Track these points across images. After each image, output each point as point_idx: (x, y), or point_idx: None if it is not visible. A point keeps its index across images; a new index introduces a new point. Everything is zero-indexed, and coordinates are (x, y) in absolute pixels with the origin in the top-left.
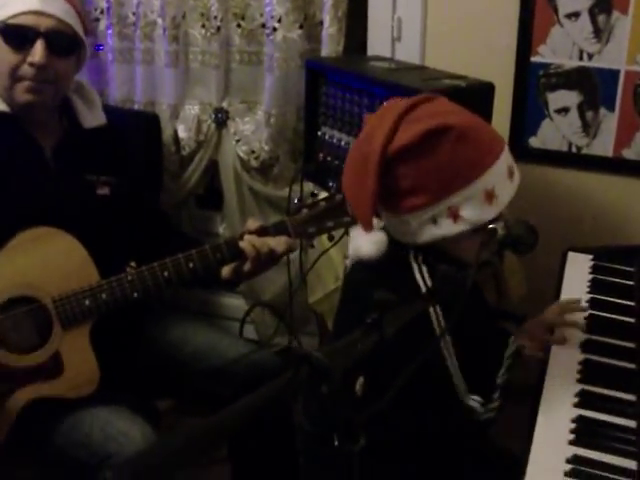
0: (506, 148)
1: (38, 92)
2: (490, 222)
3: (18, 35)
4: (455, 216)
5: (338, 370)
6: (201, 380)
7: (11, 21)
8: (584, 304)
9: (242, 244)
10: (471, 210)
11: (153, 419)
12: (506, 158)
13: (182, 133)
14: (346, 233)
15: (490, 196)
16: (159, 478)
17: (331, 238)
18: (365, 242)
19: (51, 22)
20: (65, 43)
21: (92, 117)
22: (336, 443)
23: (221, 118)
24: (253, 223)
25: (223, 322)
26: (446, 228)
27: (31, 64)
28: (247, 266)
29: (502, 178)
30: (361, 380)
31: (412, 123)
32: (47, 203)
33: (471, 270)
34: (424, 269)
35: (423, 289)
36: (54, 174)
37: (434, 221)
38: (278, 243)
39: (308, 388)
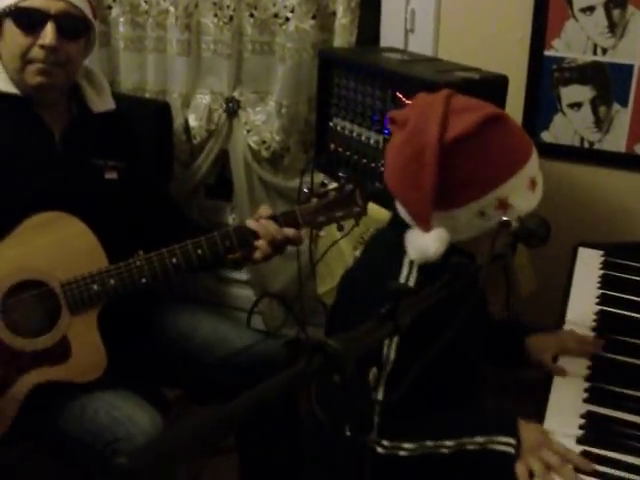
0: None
1: (49, 74)
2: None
3: (29, 18)
4: (504, 206)
5: (352, 359)
6: (209, 370)
7: (22, 4)
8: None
9: (253, 224)
10: (519, 199)
11: (161, 406)
12: (535, 149)
13: (193, 122)
14: (356, 224)
15: (533, 184)
16: (170, 465)
17: (341, 228)
18: (430, 241)
19: (61, 5)
20: (75, 26)
21: (101, 102)
22: (348, 433)
23: (232, 108)
24: (265, 210)
25: (231, 312)
26: (495, 220)
27: (42, 46)
28: (256, 253)
29: (537, 167)
30: (374, 370)
31: (462, 113)
32: (55, 186)
33: (484, 262)
34: (413, 274)
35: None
36: (62, 157)
37: (482, 214)
38: (280, 233)
39: (321, 377)
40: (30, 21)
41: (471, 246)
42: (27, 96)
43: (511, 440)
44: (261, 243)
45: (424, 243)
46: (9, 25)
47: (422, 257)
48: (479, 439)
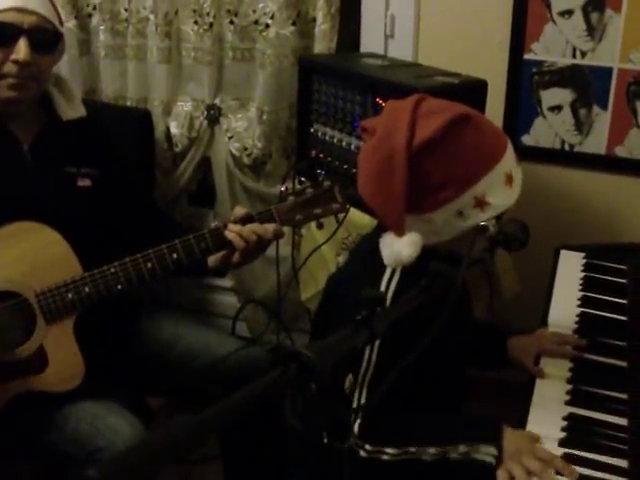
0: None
1: (21, 88)
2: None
3: (1, 33)
4: (482, 203)
5: (327, 368)
6: (193, 378)
7: None
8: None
9: (229, 235)
10: (496, 195)
11: (144, 415)
12: (510, 144)
13: (174, 130)
14: (338, 222)
15: (510, 179)
16: (144, 475)
17: (320, 226)
18: (404, 246)
19: (34, 19)
20: (48, 39)
21: (71, 110)
22: (325, 441)
23: (213, 115)
24: (239, 210)
25: (215, 320)
26: (474, 218)
27: (15, 62)
28: (235, 256)
29: (514, 161)
30: (350, 377)
31: (428, 117)
32: (26, 197)
33: (462, 267)
34: (395, 278)
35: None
36: (32, 167)
37: (460, 214)
38: (265, 230)
39: (297, 386)
40: (2, 36)
41: (454, 248)
42: None
43: (493, 449)
44: (242, 243)
45: (397, 248)
46: None
47: (396, 262)
48: (462, 448)
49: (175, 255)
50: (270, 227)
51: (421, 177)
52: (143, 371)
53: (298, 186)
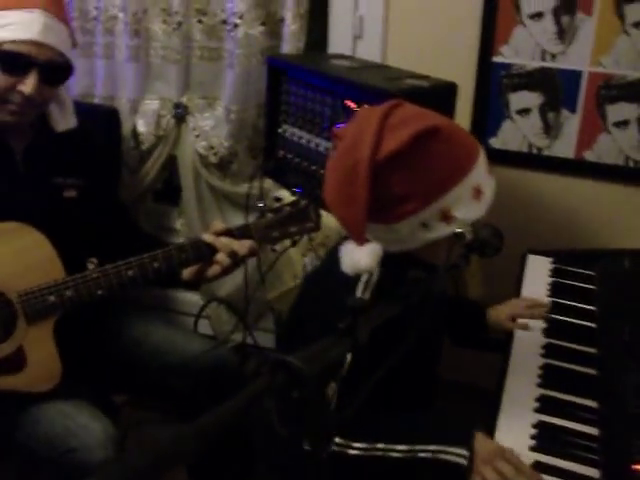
0: (480, 146)
1: (21, 115)
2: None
3: (14, 62)
4: (447, 217)
5: (314, 376)
6: (159, 375)
7: (9, 46)
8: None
9: (213, 239)
10: (462, 209)
11: (112, 413)
12: (483, 155)
13: (141, 128)
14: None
15: (478, 193)
16: None
17: (294, 244)
18: (363, 255)
19: (49, 54)
20: (58, 74)
21: (64, 121)
22: (307, 448)
23: (180, 113)
24: (218, 224)
25: (178, 317)
26: (438, 231)
27: (21, 93)
28: (210, 270)
29: (484, 174)
30: (333, 386)
31: (396, 128)
32: (14, 207)
33: (440, 274)
34: (370, 285)
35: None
36: (23, 177)
37: (425, 225)
38: (242, 246)
39: (281, 393)
40: (15, 65)
41: (428, 256)
42: None
43: (463, 451)
44: (221, 257)
45: (357, 257)
46: None
47: (354, 270)
48: (432, 447)
49: (156, 264)
50: (246, 243)
51: (385, 188)
52: (110, 367)
53: (267, 190)
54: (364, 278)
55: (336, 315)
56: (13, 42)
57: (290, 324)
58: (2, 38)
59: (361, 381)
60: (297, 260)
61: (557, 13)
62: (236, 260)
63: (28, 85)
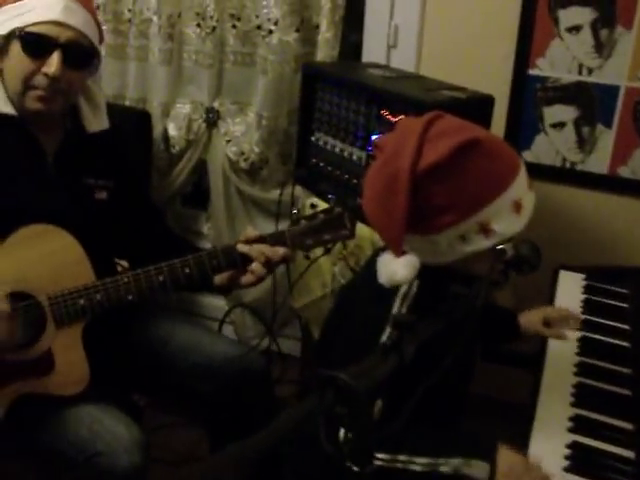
0: (521, 160)
1: (48, 101)
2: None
3: (36, 44)
4: (486, 231)
5: (364, 393)
6: (184, 376)
7: (31, 29)
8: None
9: (248, 249)
10: (501, 223)
11: (137, 416)
12: (524, 169)
13: (172, 131)
14: (344, 246)
15: (518, 207)
16: None
17: (327, 251)
18: (399, 267)
19: (71, 34)
20: (81, 55)
21: (96, 122)
22: (349, 464)
23: (212, 118)
24: (251, 231)
25: (203, 321)
26: (476, 244)
27: (45, 74)
28: (246, 278)
29: (525, 188)
30: (379, 403)
31: (437, 139)
32: (45, 205)
33: (482, 290)
34: (408, 299)
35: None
36: (54, 178)
37: (463, 238)
38: (275, 253)
39: (330, 411)
40: (37, 47)
41: (467, 270)
42: (23, 116)
43: (485, 465)
44: (256, 266)
45: (393, 268)
46: (16, 47)
47: (390, 281)
48: (453, 461)
49: (187, 270)
50: (280, 250)
51: (424, 200)
52: (135, 370)
53: (296, 197)
54: (402, 290)
55: (370, 326)
56: (34, 24)
57: (324, 336)
58: (23, 23)
59: (403, 398)
60: (326, 269)
61: (596, 27)
62: (270, 267)
63: (51, 65)
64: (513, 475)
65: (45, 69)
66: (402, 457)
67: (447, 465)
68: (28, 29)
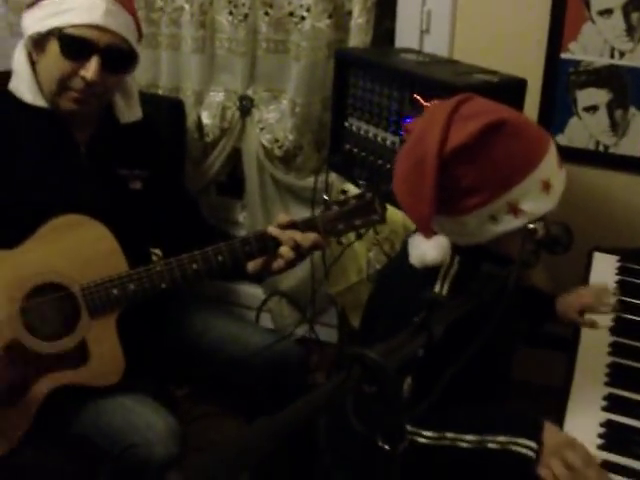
0: (551, 139)
1: (83, 103)
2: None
3: (75, 47)
4: (515, 210)
5: (391, 371)
6: (222, 367)
7: (71, 30)
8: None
9: (278, 232)
10: (531, 202)
11: (173, 407)
12: (554, 148)
13: (206, 120)
14: (375, 232)
15: (547, 186)
16: None
17: (359, 236)
18: (429, 248)
19: (111, 38)
20: (120, 60)
21: (129, 112)
22: (380, 444)
23: (246, 106)
24: (283, 217)
25: (240, 310)
26: (506, 224)
27: (83, 78)
28: (276, 263)
29: (554, 168)
30: (409, 381)
31: (464, 121)
32: (79, 199)
33: (513, 270)
34: (448, 279)
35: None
36: (87, 169)
37: (493, 218)
38: (306, 238)
39: (357, 388)
40: (76, 51)
41: (500, 250)
42: (56, 111)
43: (532, 444)
44: (284, 250)
45: (423, 250)
46: (54, 47)
47: (420, 263)
48: (501, 438)
49: (220, 257)
50: (310, 236)
51: (453, 181)
52: (172, 361)
53: (331, 184)
54: (442, 271)
55: (409, 309)
56: (74, 26)
57: (365, 322)
58: (63, 23)
59: (435, 376)
60: (362, 255)
61: (627, 10)
62: (300, 253)
63: (89, 70)
64: (559, 452)
65: (83, 73)
66: (450, 434)
67: (494, 442)
68: (67, 31)
